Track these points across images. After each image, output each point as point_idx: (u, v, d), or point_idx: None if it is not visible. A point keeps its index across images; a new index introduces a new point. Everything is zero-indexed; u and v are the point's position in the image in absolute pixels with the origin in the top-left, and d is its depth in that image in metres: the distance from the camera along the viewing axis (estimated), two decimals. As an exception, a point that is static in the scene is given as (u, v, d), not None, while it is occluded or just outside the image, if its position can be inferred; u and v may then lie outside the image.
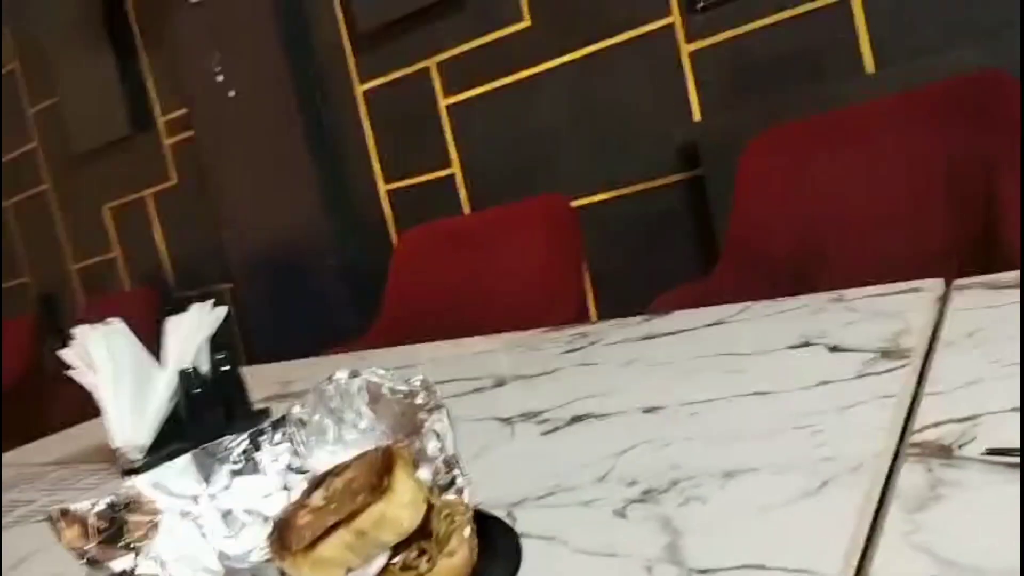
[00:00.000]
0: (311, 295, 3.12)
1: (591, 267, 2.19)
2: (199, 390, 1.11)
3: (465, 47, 2.68)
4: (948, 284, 0.98)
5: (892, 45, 1.92)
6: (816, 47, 2.03)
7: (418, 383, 0.61)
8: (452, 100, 2.75)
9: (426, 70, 2.78)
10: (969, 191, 1.35)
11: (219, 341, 1.18)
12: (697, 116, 2.29)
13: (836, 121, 1.56)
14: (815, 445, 0.64)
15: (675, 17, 2.28)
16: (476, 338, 1.42)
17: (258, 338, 3.24)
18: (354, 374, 0.63)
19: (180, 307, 1.16)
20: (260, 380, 1.37)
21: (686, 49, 2.27)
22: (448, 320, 1.72)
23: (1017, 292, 0.88)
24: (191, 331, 1.12)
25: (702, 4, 2.17)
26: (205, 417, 1.11)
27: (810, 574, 0.47)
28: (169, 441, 1.07)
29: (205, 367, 1.13)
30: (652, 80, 2.33)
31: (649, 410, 0.82)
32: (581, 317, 1.82)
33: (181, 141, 3.58)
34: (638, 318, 1.25)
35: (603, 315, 2.37)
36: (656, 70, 2.32)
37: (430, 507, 0.52)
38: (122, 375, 1.02)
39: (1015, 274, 0.93)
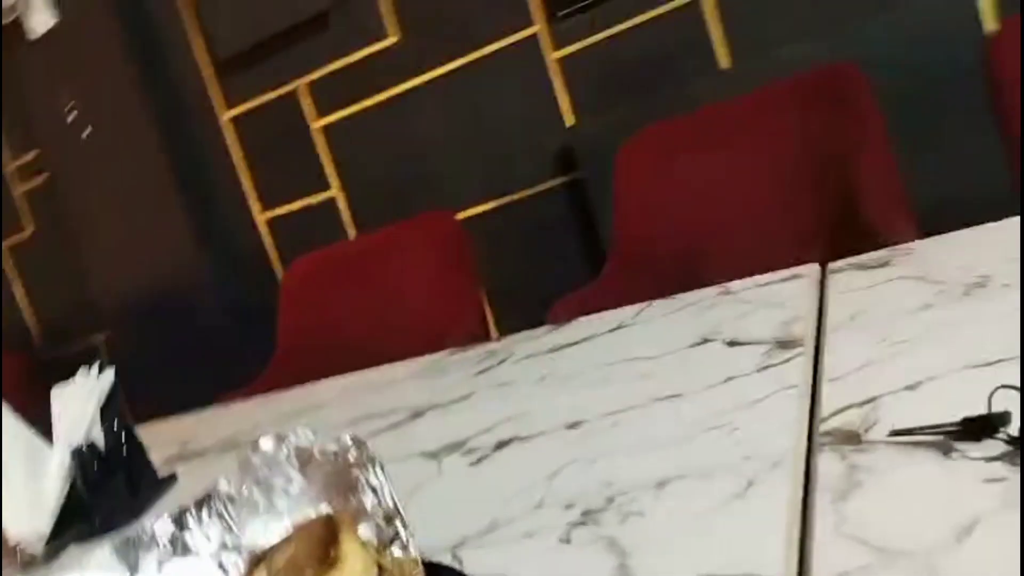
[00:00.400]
0: (194, 338, 2.98)
1: (482, 279, 2.21)
2: (97, 464, 1.04)
3: (334, 66, 2.63)
4: (824, 268, 1.04)
5: (746, 41, 2.04)
6: (676, 46, 2.13)
7: (347, 441, 0.60)
8: (326, 121, 2.70)
9: (295, 92, 2.71)
10: (831, 178, 1.46)
11: (111, 406, 1.11)
12: (570, 121, 2.35)
13: (704, 118, 1.65)
14: (733, 444, 0.68)
15: (540, 26, 2.32)
16: (381, 368, 1.40)
17: (141, 390, 3.06)
18: (280, 440, 0.61)
19: (56, 369, 1.08)
20: (156, 440, 1.30)
21: (554, 56, 2.32)
22: (346, 351, 1.68)
23: (889, 270, 0.95)
24: (80, 402, 1.05)
25: (562, 12, 2.23)
26: (107, 492, 1.04)
27: (756, 578, 0.49)
28: (70, 524, 1.00)
29: (100, 438, 1.07)
30: (523, 88, 2.37)
31: (571, 426, 0.84)
32: (482, 333, 1.83)
33: (34, 188, 3.34)
34: (541, 330, 1.27)
35: (499, 327, 2.39)
36: (526, 78, 2.36)
37: (380, 569, 0.52)
38: (11, 462, 0.94)
39: (883, 253, 1.00)
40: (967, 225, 1.00)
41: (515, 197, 2.47)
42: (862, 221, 1.33)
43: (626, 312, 1.18)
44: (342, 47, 2.60)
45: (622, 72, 2.23)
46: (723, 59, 2.12)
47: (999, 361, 0.63)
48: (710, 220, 1.61)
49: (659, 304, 1.17)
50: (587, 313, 1.27)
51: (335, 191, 2.75)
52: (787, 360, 0.80)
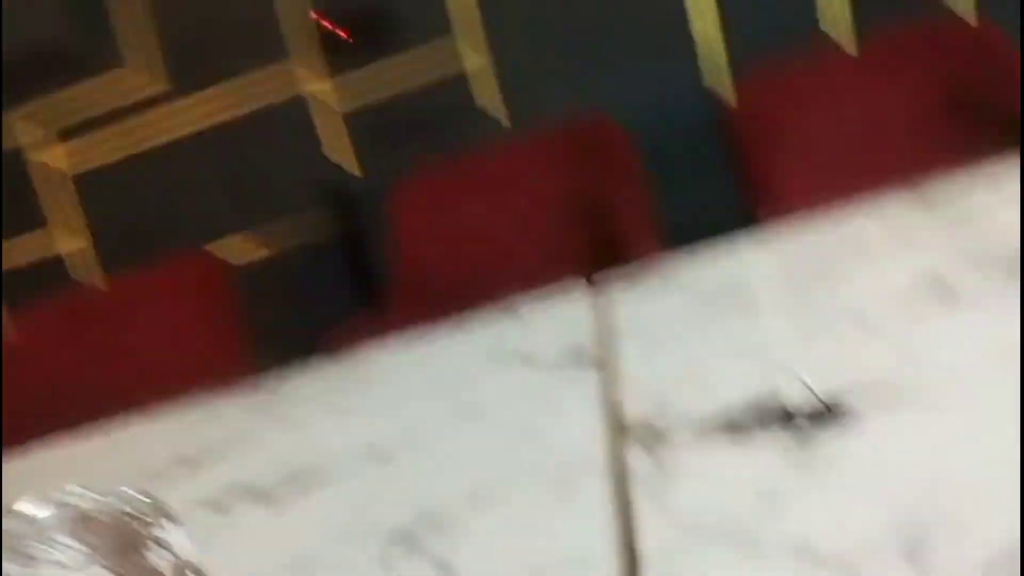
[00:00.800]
0: None
1: (249, 319, 2.09)
2: None
3: (88, 111, 2.36)
4: (599, 282, 1.10)
5: (519, 94, 2.16)
6: (452, 99, 2.19)
7: (129, 493, 0.53)
8: (81, 167, 2.41)
9: (36, 127, 2.39)
10: (596, 212, 1.59)
11: None
12: (344, 166, 2.31)
13: (478, 162, 1.73)
14: (546, 455, 0.69)
15: (314, 77, 2.27)
16: (138, 420, 1.25)
17: None
18: (43, 502, 0.52)
19: None
20: None
21: (328, 104, 2.28)
22: (93, 405, 1.49)
23: (656, 282, 1.03)
24: None
25: (342, 65, 2.21)
26: None
27: None
28: None
29: None
30: (301, 133, 2.29)
31: (374, 455, 0.80)
32: (252, 372, 1.71)
33: None
34: (323, 362, 1.21)
35: (271, 365, 2.26)
36: (305, 125, 2.29)
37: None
38: None
39: (654, 267, 1.08)
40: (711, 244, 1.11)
41: (280, 234, 2.37)
42: (623, 249, 1.45)
43: (414, 338, 1.17)
44: (96, 87, 2.35)
45: (398, 122, 2.24)
46: (494, 107, 2.21)
47: (771, 354, 0.71)
48: (485, 252, 1.67)
49: (445, 327, 1.16)
50: (366, 342, 1.24)
51: (83, 238, 2.46)
52: (581, 369, 0.84)
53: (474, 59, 2.19)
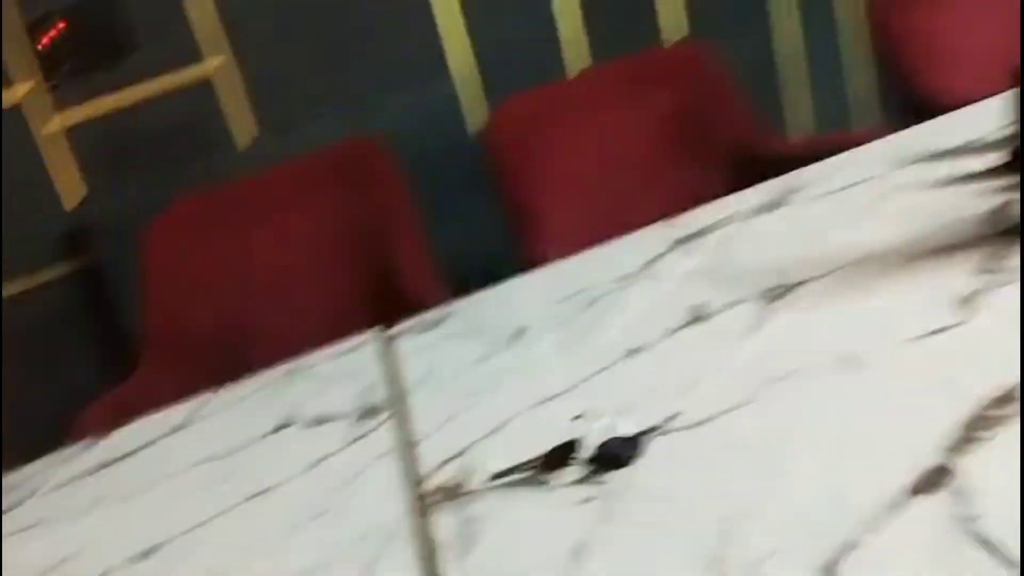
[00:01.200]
0: None
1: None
2: None
3: None
4: (383, 333, 1.07)
5: (270, 116, 2.03)
6: (196, 119, 2.02)
7: None
8: None
9: None
10: (367, 248, 1.53)
11: None
12: (73, 199, 2.06)
13: (235, 193, 1.58)
14: (342, 529, 0.65)
15: (30, 90, 1.99)
16: None
17: None
18: None
19: None
20: None
21: (49, 128, 2.01)
22: None
23: (441, 330, 1.02)
24: None
25: (54, 82, 1.95)
26: None
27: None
28: None
29: None
30: (11, 163, 2.00)
31: (143, 555, 0.71)
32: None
33: None
34: (75, 448, 1.06)
35: (5, 457, 1.95)
36: (14, 151, 1.99)
37: None
38: None
39: (432, 314, 1.07)
40: (486, 283, 1.13)
41: (8, 293, 2.06)
42: (400, 288, 1.42)
43: (184, 409, 1.06)
44: None
45: (135, 145, 2.03)
46: (246, 134, 2.08)
47: (559, 395, 0.72)
48: (254, 298, 1.55)
49: (222, 394, 1.07)
50: (128, 419, 1.11)
51: None
52: (374, 429, 0.80)
53: (224, 83, 2.06)
